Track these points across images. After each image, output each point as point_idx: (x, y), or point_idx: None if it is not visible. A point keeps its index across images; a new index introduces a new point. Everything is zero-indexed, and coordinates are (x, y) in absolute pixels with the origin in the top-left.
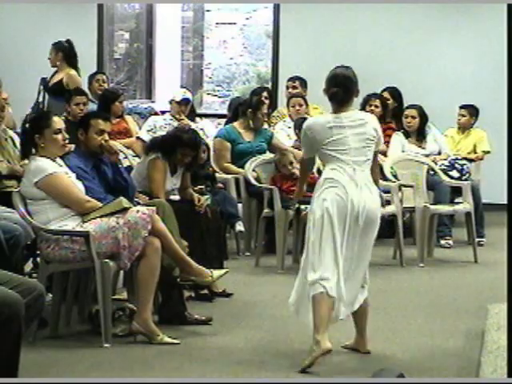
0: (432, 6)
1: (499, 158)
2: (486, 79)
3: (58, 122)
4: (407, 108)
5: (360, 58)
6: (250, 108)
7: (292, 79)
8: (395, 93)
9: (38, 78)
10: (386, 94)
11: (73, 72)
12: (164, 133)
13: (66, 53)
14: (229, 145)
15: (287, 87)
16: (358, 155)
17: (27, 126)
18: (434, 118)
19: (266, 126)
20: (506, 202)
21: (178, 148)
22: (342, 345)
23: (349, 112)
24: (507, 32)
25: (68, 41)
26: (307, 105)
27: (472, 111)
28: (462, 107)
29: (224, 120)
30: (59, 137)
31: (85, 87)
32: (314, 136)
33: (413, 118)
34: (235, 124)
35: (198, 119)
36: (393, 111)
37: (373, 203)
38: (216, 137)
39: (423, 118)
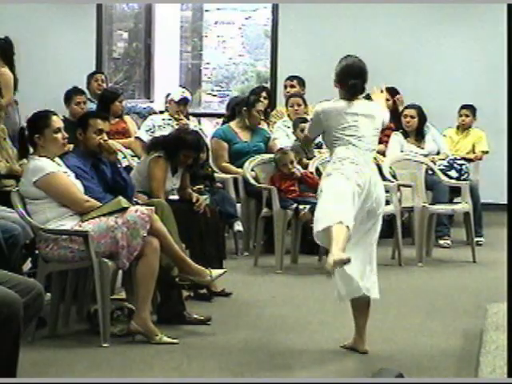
0: (431, 6)
1: (498, 158)
2: (484, 79)
3: (58, 121)
4: (406, 108)
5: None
6: (246, 106)
7: (290, 78)
8: (393, 92)
9: (37, 78)
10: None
11: (4, 69)
12: (163, 132)
13: (1, 50)
14: (226, 145)
15: (285, 86)
16: (369, 143)
17: (26, 125)
18: (432, 118)
19: (265, 125)
20: (504, 201)
21: (180, 149)
22: (340, 345)
23: (360, 100)
24: (507, 32)
25: (6, 38)
26: (306, 104)
27: (473, 111)
28: (464, 107)
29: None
30: (59, 136)
31: (83, 87)
32: (327, 120)
33: (412, 117)
34: (231, 124)
35: (193, 118)
36: (391, 110)
37: (382, 189)
38: (212, 137)
39: (422, 117)
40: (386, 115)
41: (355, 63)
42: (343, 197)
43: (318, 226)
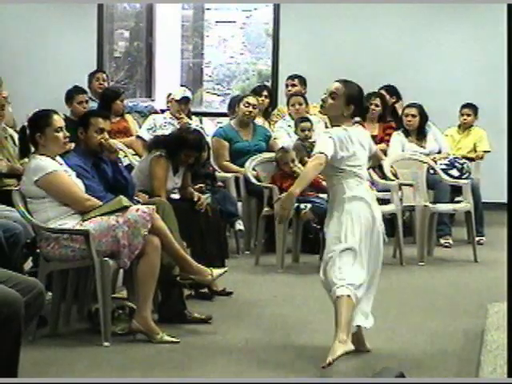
0: (431, 6)
1: (499, 157)
2: (484, 79)
3: (59, 120)
4: (407, 106)
5: (360, 57)
6: (237, 103)
7: (291, 77)
8: (392, 90)
9: (39, 77)
10: (382, 92)
11: None
12: (164, 131)
13: None
14: (226, 144)
15: (286, 85)
16: (364, 170)
17: (27, 124)
18: (433, 117)
19: (266, 124)
20: (505, 200)
21: (182, 149)
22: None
23: (352, 126)
24: (507, 32)
25: None
26: (307, 103)
27: (474, 110)
28: (465, 106)
29: (224, 118)
30: (60, 135)
31: (84, 86)
32: (341, 149)
33: (413, 116)
34: (232, 123)
35: (194, 118)
36: (391, 108)
37: (380, 213)
38: (213, 136)
39: (423, 116)
40: (372, 143)
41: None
42: (356, 257)
43: (327, 276)
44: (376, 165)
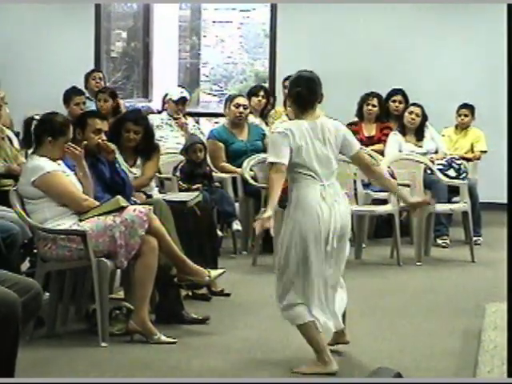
0: (431, 5)
1: (496, 158)
2: (482, 79)
3: (71, 131)
4: (412, 105)
5: (357, 58)
6: (226, 104)
7: (289, 78)
8: (406, 95)
9: (36, 77)
10: (398, 98)
11: None
12: (161, 132)
13: None
14: (221, 145)
15: (285, 86)
16: (325, 167)
17: (37, 119)
18: (430, 118)
19: (257, 122)
20: (503, 201)
21: (120, 127)
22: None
23: (313, 118)
24: (507, 32)
25: None
26: None
27: (472, 110)
28: (462, 107)
29: (221, 119)
30: (65, 145)
31: (81, 86)
32: (294, 141)
33: (417, 115)
34: (226, 124)
35: (190, 118)
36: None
37: (344, 218)
38: (208, 138)
39: (424, 117)
40: (349, 138)
41: (304, 74)
42: (310, 276)
43: (283, 301)
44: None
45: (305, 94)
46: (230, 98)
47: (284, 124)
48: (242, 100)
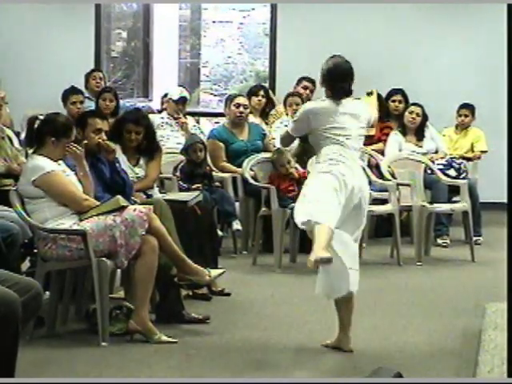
0: (431, 5)
1: (496, 157)
2: (482, 78)
3: (74, 133)
4: (413, 105)
5: (358, 57)
6: (226, 103)
7: (305, 79)
8: (406, 95)
9: (36, 77)
10: (398, 97)
11: None
12: (161, 132)
13: None
14: (222, 145)
15: (306, 87)
16: (355, 142)
17: (41, 118)
18: (430, 117)
19: (258, 122)
20: (503, 200)
21: (121, 128)
22: (322, 343)
23: (348, 99)
24: (507, 32)
25: None
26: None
27: (472, 110)
28: (463, 107)
29: (221, 118)
30: (67, 144)
31: (82, 85)
32: (315, 120)
33: (417, 115)
34: (226, 123)
35: (190, 118)
36: (392, 110)
37: (367, 186)
38: (208, 138)
39: (424, 117)
40: (372, 114)
41: (342, 65)
42: (329, 195)
43: (299, 217)
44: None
45: (348, 89)
46: (231, 98)
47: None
48: (242, 100)
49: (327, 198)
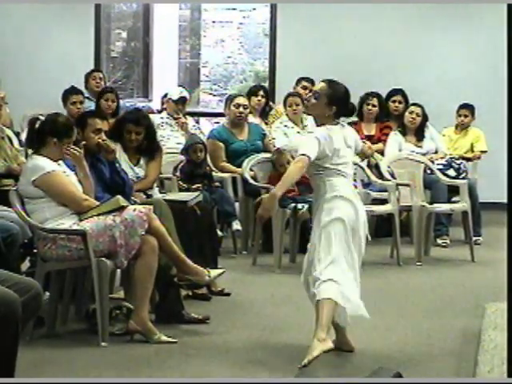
0: (429, 5)
1: (496, 157)
2: (482, 78)
3: (75, 134)
4: (412, 105)
5: (357, 57)
6: (226, 103)
7: (305, 80)
8: (406, 95)
9: (36, 77)
10: (398, 98)
11: None
12: (161, 132)
13: None
14: (222, 145)
15: (305, 87)
16: (349, 167)
17: (42, 119)
18: (430, 117)
19: (257, 122)
20: (502, 200)
21: (122, 128)
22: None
23: (336, 126)
24: (507, 32)
25: None
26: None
27: (472, 110)
28: (463, 107)
29: (221, 118)
30: (65, 147)
31: (82, 86)
32: (327, 149)
33: (417, 115)
34: (226, 123)
35: (189, 118)
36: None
37: (364, 215)
38: (208, 138)
39: (424, 117)
40: (360, 142)
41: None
42: (339, 260)
43: (310, 285)
44: (363, 158)
45: (352, 109)
46: (231, 98)
47: (323, 129)
48: (242, 100)
49: (338, 263)
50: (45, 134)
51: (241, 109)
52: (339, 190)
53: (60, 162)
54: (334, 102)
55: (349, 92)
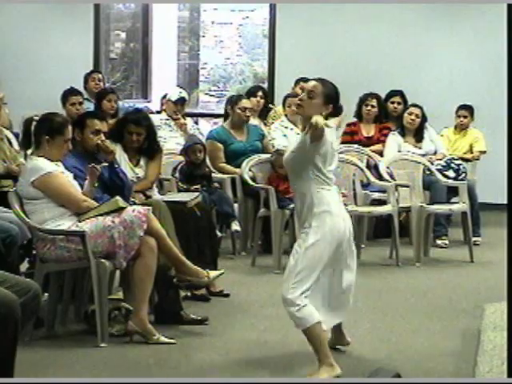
0: (428, 5)
1: (495, 158)
2: (481, 79)
3: (70, 131)
4: (412, 106)
5: (357, 58)
6: (230, 105)
7: (303, 79)
8: (405, 96)
9: (35, 78)
10: (397, 99)
11: None
12: (160, 132)
13: None
14: (220, 145)
15: (295, 87)
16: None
17: (37, 119)
18: (429, 118)
19: (257, 123)
20: (501, 201)
21: (122, 128)
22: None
23: (329, 128)
24: (507, 32)
25: None
26: None
27: (471, 111)
28: (462, 108)
29: (220, 119)
30: (65, 146)
31: (81, 86)
32: (323, 149)
33: (416, 116)
34: (225, 124)
35: (188, 119)
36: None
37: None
38: (207, 139)
39: (423, 118)
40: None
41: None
42: (317, 284)
43: (293, 306)
44: None
45: (341, 109)
46: (235, 100)
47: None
48: (247, 103)
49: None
50: (38, 133)
51: (247, 112)
52: (329, 204)
53: (59, 163)
54: (330, 101)
55: (338, 90)
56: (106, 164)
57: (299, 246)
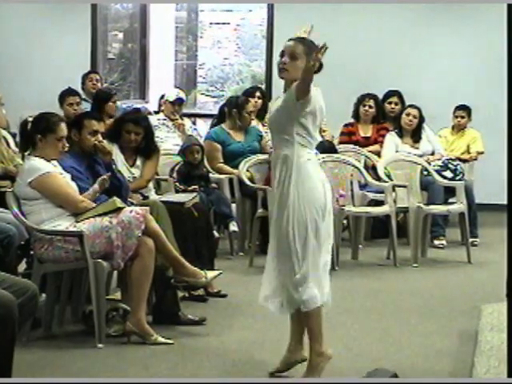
0: (428, 5)
1: (493, 159)
2: (479, 79)
3: (64, 129)
4: (409, 107)
5: (355, 59)
6: (236, 108)
7: None
8: (403, 96)
9: (33, 78)
10: (394, 99)
11: None
12: (158, 133)
13: None
14: (219, 146)
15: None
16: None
17: (31, 121)
18: (427, 119)
19: (260, 126)
20: (499, 202)
21: (120, 128)
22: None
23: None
24: (507, 32)
25: None
26: None
27: (468, 111)
28: (459, 108)
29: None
30: (60, 144)
31: (78, 87)
32: (314, 107)
33: (414, 117)
34: (223, 125)
35: (186, 119)
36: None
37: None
38: (205, 139)
39: (421, 119)
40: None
41: None
42: (315, 256)
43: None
44: None
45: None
46: (241, 104)
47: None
48: (252, 107)
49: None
50: (32, 133)
51: (252, 115)
52: (310, 167)
53: (56, 163)
54: (319, 68)
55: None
56: (112, 174)
57: (285, 222)
